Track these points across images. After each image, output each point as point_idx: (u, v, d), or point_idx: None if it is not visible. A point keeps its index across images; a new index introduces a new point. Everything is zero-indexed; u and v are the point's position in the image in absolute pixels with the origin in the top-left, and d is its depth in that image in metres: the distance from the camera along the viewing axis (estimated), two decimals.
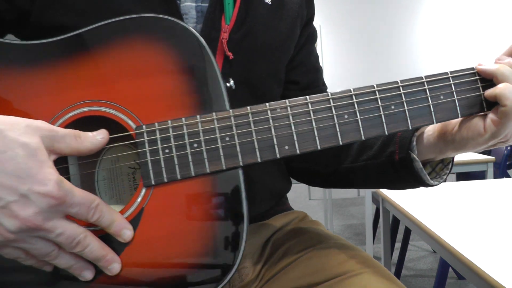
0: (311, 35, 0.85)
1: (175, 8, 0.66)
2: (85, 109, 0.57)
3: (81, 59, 0.58)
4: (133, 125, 0.57)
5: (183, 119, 0.56)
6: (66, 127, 0.57)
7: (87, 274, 0.53)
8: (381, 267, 0.69)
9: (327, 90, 0.87)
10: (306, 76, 0.83)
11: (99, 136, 0.54)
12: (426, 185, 0.67)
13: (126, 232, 0.54)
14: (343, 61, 5.39)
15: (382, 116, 0.57)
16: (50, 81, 0.57)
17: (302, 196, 4.87)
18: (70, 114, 0.57)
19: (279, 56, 0.77)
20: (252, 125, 0.57)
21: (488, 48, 5.42)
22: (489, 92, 0.57)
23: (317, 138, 0.57)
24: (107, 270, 0.53)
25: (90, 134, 0.54)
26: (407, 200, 1.41)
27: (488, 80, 0.58)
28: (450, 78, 0.58)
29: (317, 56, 0.87)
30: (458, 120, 0.61)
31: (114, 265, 0.53)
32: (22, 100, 0.57)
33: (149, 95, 0.57)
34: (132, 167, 0.62)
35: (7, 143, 0.47)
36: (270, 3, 0.74)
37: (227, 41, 0.67)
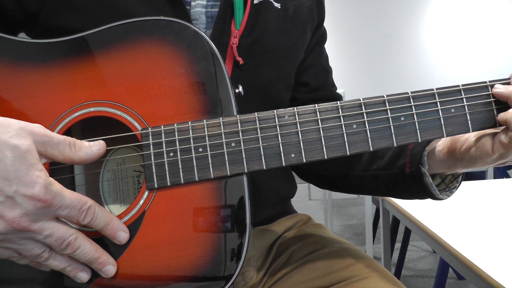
0: (321, 36, 0.83)
1: (185, 13, 0.65)
2: (92, 109, 0.56)
3: (90, 59, 0.57)
4: (139, 127, 0.56)
5: (190, 123, 0.55)
6: (72, 126, 0.56)
7: (83, 276, 0.53)
8: (386, 271, 0.69)
9: (337, 91, 0.86)
10: (316, 78, 0.82)
11: (95, 147, 0.53)
12: (435, 198, 0.66)
13: (121, 234, 0.53)
14: (344, 63, 5.23)
15: (392, 127, 0.56)
16: (59, 80, 0.57)
17: (302, 196, 4.80)
18: (77, 114, 0.56)
19: (289, 61, 0.75)
20: (258, 131, 0.56)
21: (495, 50, 5.30)
22: (502, 116, 0.56)
23: (324, 147, 0.56)
24: (101, 272, 0.53)
25: (86, 144, 0.53)
26: (407, 200, 1.40)
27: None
28: (462, 92, 0.57)
29: (327, 57, 0.86)
30: (467, 138, 0.60)
31: (108, 267, 0.53)
32: (30, 97, 0.56)
33: (157, 98, 0.56)
34: (138, 170, 0.62)
35: None
36: (279, 7, 0.72)
37: (236, 46, 0.66)
